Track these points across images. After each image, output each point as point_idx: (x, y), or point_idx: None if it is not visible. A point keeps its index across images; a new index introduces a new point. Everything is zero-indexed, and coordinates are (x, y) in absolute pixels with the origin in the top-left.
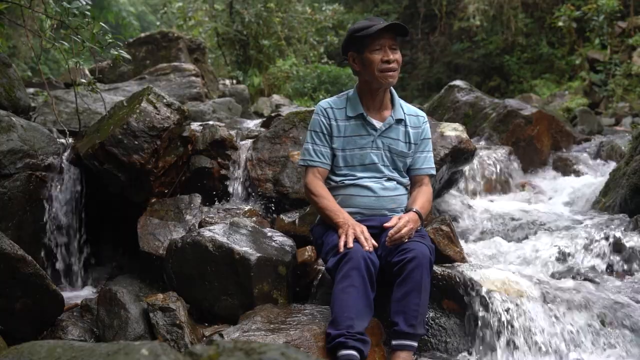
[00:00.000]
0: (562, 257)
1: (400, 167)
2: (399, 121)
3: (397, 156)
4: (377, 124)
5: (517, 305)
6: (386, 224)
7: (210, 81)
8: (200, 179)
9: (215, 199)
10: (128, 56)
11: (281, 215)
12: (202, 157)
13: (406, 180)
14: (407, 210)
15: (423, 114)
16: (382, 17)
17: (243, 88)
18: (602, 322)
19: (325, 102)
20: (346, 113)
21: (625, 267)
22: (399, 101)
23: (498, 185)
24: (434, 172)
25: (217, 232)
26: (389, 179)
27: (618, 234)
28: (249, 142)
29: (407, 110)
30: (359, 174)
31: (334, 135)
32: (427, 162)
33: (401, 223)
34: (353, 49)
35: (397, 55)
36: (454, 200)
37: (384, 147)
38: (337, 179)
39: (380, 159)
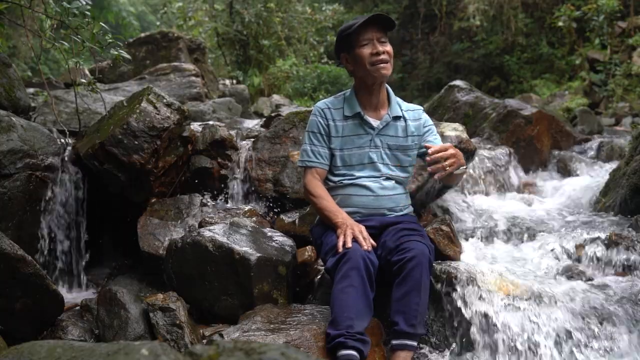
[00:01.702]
0: (561, 257)
1: (403, 162)
2: (397, 118)
3: (396, 151)
4: (374, 122)
5: (516, 305)
6: (430, 147)
7: (210, 81)
8: (200, 179)
9: (215, 199)
10: (128, 56)
11: (281, 215)
12: (202, 157)
13: (406, 180)
14: None
15: (419, 107)
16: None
17: (243, 88)
18: (600, 323)
19: (322, 103)
20: (343, 113)
21: (625, 267)
22: (396, 99)
23: (498, 185)
24: None
25: (217, 232)
26: (388, 178)
27: (618, 234)
28: (249, 142)
29: (405, 106)
30: (357, 174)
31: (332, 136)
32: (438, 142)
33: (447, 145)
34: (344, 49)
35: (387, 47)
36: (453, 200)
37: (383, 145)
38: (336, 179)
39: (379, 157)
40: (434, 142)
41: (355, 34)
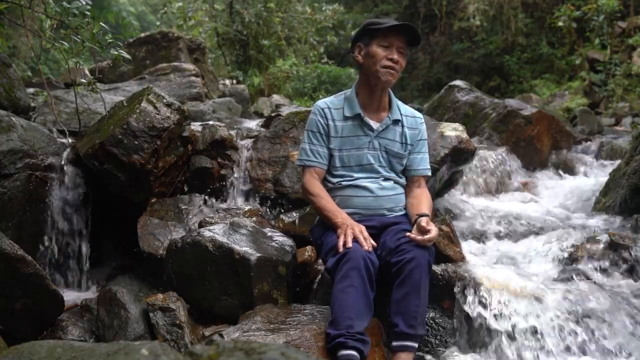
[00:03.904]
0: (561, 257)
1: (396, 168)
2: (396, 122)
3: (393, 157)
4: (374, 124)
5: (516, 305)
6: (423, 224)
7: (210, 81)
8: (200, 179)
9: (215, 199)
10: (128, 56)
11: (281, 215)
12: (202, 157)
13: (403, 181)
14: (416, 213)
15: (420, 115)
16: (387, 18)
17: (243, 88)
18: (601, 323)
19: (322, 102)
20: (344, 113)
21: (625, 267)
22: (396, 102)
23: (498, 185)
24: (429, 173)
25: (217, 232)
26: (386, 179)
27: (618, 234)
28: (249, 142)
29: (404, 111)
30: (356, 175)
31: (331, 136)
32: (423, 163)
33: (433, 235)
34: (362, 40)
35: (402, 60)
36: (454, 200)
37: (381, 148)
38: (335, 180)
39: (377, 159)
40: (417, 162)
41: (382, 33)
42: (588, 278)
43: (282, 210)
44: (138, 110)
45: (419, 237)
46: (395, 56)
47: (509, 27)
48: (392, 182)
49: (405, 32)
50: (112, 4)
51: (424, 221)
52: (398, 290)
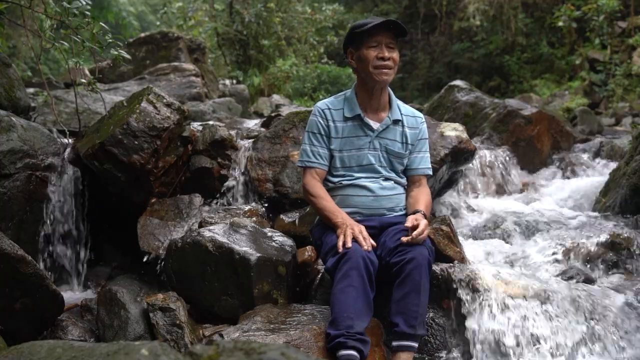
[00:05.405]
0: (561, 257)
1: (397, 168)
2: (396, 122)
3: (393, 157)
4: (374, 124)
5: (515, 305)
6: (408, 224)
7: (210, 81)
8: (200, 179)
9: (215, 199)
10: (128, 56)
11: (281, 215)
12: (202, 157)
13: (404, 181)
14: (412, 211)
15: (420, 115)
16: (383, 17)
17: (243, 88)
18: (600, 323)
19: (322, 103)
20: (344, 114)
21: (625, 267)
22: (396, 102)
23: (498, 185)
24: (430, 172)
25: (217, 232)
26: (387, 179)
27: (618, 234)
28: (249, 142)
29: (405, 110)
30: (357, 175)
31: (331, 137)
32: (423, 162)
33: (422, 228)
34: (352, 45)
35: (394, 54)
36: (453, 200)
37: (381, 148)
38: (335, 179)
39: (377, 159)
40: (418, 161)
41: (366, 34)
42: (588, 278)
43: (282, 210)
44: (138, 110)
45: (407, 239)
46: (386, 53)
47: (509, 27)
48: (392, 182)
49: (390, 27)
50: (112, 4)
51: (409, 220)
52: (398, 290)
